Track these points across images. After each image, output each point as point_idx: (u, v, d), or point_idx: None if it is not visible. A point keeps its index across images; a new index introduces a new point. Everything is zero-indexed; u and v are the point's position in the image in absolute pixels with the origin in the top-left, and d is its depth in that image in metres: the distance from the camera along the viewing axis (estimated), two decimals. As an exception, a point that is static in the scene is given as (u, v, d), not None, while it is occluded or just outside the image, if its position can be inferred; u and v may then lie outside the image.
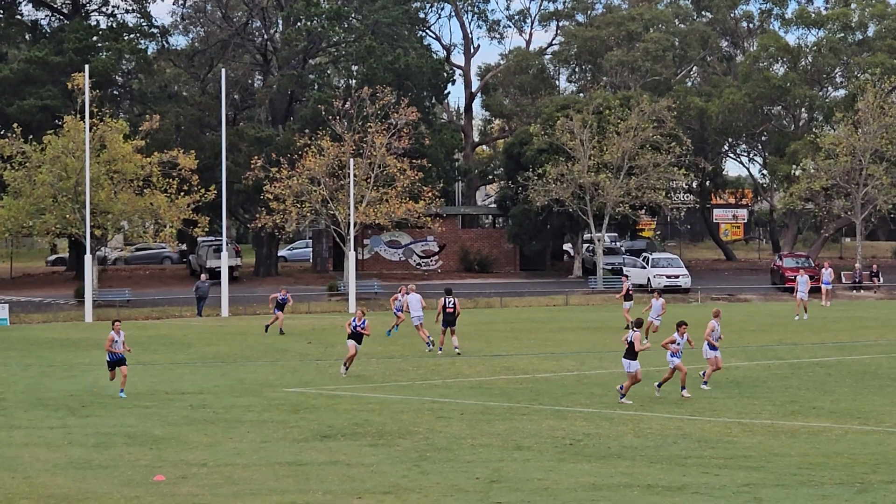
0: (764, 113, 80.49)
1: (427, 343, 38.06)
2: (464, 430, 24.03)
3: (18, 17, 77.44)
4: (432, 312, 40.86)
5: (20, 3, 77.41)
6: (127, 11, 77.76)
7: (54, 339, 44.40)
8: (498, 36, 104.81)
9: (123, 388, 29.15)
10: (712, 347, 29.23)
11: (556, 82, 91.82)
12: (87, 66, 57.44)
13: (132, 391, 29.30)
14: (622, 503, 18.00)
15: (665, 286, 60.83)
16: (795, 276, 51.48)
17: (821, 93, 79.57)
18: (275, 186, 62.61)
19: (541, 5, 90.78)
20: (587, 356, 36.93)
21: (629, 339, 27.34)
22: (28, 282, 74.23)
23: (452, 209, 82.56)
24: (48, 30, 77.67)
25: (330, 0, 75.89)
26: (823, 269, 56.49)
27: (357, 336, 32.39)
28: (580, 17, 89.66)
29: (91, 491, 18.96)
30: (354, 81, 72.17)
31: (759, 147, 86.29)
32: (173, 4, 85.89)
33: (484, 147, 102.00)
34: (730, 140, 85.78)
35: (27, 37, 79.31)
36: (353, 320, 32.59)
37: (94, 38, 71.48)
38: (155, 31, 77.65)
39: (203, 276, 56.92)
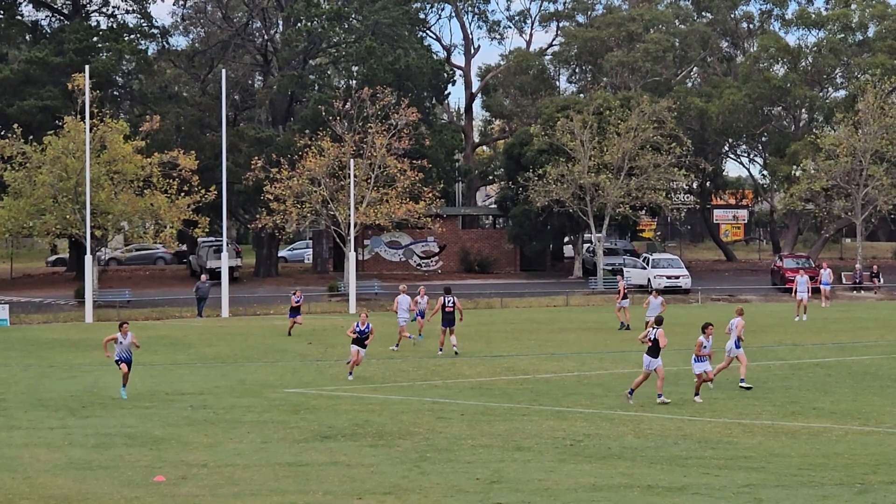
0: (764, 113, 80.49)
1: (409, 336, 39.36)
2: (464, 431, 24.03)
3: (19, 17, 77.45)
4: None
5: (20, 3, 77.45)
6: (127, 12, 77.85)
7: (54, 340, 44.39)
8: (498, 36, 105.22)
9: (125, 386, 28.96)
10: (737, 345, 29.55)
11: (557, 83, 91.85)
12: (87, 67, 57.46)
13: (132, 392, 29.28)
14: (622, 504, 18.04)
15: (665, 287, 60.88)
16: (795, 277, 51.46)
17: (821, 93, 79.57)
18: (275, 187, 62.62)
19: (541, 6, 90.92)
20: (587, 357, 36.92)
21: (652, 337, 27.26)
22: (28, 282, 74.25)
23: (453, 210, 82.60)
24: (48, 30, 77.68)
25: (330, 1, 75.90)
26: (822, 270, 56.48)
27: (361, 341, 32.22)
28: (580, 18, 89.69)
29: (91, 492, 18.96)
30: (355, 82, 72.23)
31: (760, 148, 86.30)
32: (174, 5, 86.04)
33: (484, 147, 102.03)
34: (730, 141, 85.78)
35: (27, 37, 79.31)
36: (357, 325, 32.27)
37: (95, 39, 71.50)
38: (155, 31, 77.73)
39: (203, 277, 56.89)
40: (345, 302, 59.25)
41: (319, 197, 62.84)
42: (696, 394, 27.80)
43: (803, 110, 79.97)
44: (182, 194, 60.00)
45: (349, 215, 61.07)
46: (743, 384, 29.23)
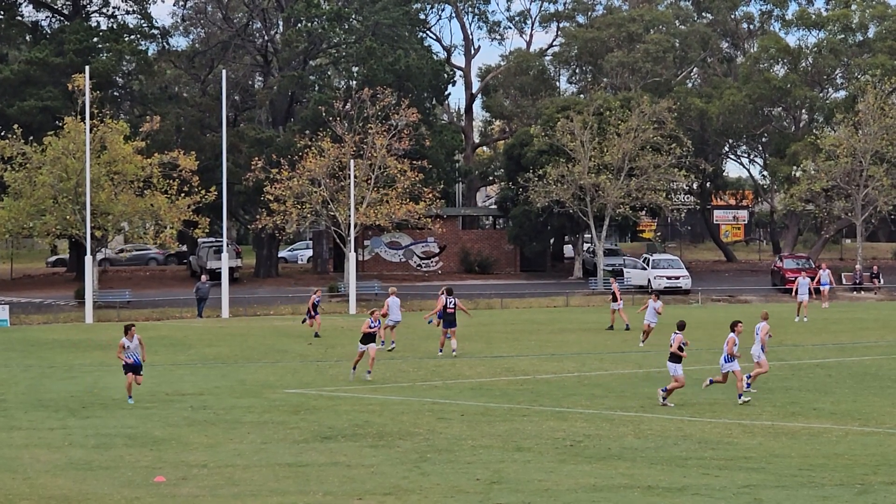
0: (764, 114, 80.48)
1: (390, 343, 38.18)
2: (464, 432, 24.03)
3: (19, 18, 77.46)
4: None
5: (21, 4, 77.46)
6: (127, 13, 77.86)
7: (55, 340, 44.39)
8: (498, 37, 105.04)
9: (131, 395, 28.45)
10: (762, 349, 29.45)
11: (557, 83, 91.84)
12: (87, 68, 57.50)
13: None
14: (623, 504, 18.03)
15: (666, 287, 60.87)
16: (796, 278, 51.46)
17: (821, 94, 79.57)
18: (275, 187, 62.62)
19: (541, 6, 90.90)
20: (588, 357, 36.92)
21: (673, 343, 27.19)
22: (28, 283, 74.24)
23: (453, 210, 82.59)
24: (49, 31, 77.67)
25: (330, 1, 75.89)
26: (821, 271, 56.43)
27: (371, 337, 31.92)
28: (581, 19, 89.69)
29: (91, 492, 18.95)
30: (355, 82, 72.24)
31: (760, 148, 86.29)
32: (174, 6, 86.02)
33: (484, 148, 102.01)
34: (730, 141, 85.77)
35: (28, 38, 79.30)
36: (370, 321, 31.90)
37: (95, 40, 71.50)
38: (155, 32, 77.73)
39: (203, 278, 56.91)
40: (345, 302, 59.26)
41: (319, 197, 62.83)
42: (740, 395, 27.17)
43: (803, 111, 79.97)
44: (182, 195, 60.00)
45: (349, 216, 61.07)
46: (748, 389, 29.12)
